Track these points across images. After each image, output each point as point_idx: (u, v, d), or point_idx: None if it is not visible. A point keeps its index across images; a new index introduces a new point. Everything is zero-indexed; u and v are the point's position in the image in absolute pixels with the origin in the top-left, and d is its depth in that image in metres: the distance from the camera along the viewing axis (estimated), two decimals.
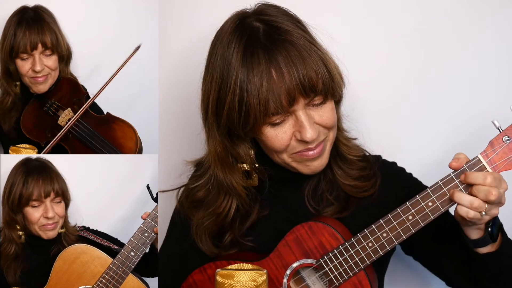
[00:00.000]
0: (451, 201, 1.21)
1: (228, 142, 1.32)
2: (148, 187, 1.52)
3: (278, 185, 1.40)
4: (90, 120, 1.78)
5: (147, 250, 1.52)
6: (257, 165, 1.34)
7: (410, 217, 1.23)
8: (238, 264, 1.07)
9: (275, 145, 1.27)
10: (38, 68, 1.72)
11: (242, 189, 1.35)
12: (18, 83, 1.78)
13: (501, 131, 1.19)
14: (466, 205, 1.17)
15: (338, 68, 1.30)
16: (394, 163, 1.45)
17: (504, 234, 1.27)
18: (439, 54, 1.66)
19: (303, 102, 1.23)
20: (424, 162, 1.64)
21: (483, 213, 1.17)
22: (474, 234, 1.24)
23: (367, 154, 1.44)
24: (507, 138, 1.18)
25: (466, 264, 1.31)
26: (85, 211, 1.75)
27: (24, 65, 1.73)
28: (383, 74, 1.69)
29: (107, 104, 1.84)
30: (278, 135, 1.26)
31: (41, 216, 1.62)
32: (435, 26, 1.65)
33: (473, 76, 1.65)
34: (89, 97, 1.80)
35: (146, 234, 1.51)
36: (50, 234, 1.64)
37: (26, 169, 1.65)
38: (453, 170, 1.21)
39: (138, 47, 1.75)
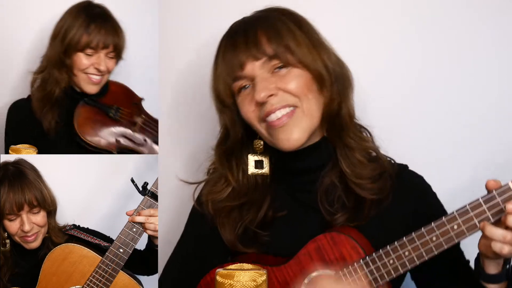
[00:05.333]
0: (477, 226, 1.18)
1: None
2: (132, 181, 1.48)
3: (294, 186, 1.39)
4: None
5: (136, 246, 1.49)
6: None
7: (434, 238, 1.21)
8: (238, 264, 1.08)
9: (245, 114, 1.32)
10: (102, 67, 1.67)
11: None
12: (66, 76, 1.69)
13: None
14: (499, 240, 1.14)
15: (323, 44, 1.33)
16: (421, 177, 1.41)
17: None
18: (438, 55, 1.66)
19: (256, 64, 1.28)
20: (426, 162, 1.60)
21: None
22: (492, 268, 1.21)
23: (389, 158, 1.40)
24: None
25: None
26: (73, 210, 1.71)
27: (84, 61, 1.67)
28: (382, 74, 1.68)
29: None
30: (245, 101, 1.31)
31: (19, 229, 1.57)
32: (434, 27, 1.65)
33: (472, 76, 1.64)
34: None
35: (134, 230, 1.47)
36: (32, 245, 1.59)
37: None
38: (482, 195, 1.18)
39: None
